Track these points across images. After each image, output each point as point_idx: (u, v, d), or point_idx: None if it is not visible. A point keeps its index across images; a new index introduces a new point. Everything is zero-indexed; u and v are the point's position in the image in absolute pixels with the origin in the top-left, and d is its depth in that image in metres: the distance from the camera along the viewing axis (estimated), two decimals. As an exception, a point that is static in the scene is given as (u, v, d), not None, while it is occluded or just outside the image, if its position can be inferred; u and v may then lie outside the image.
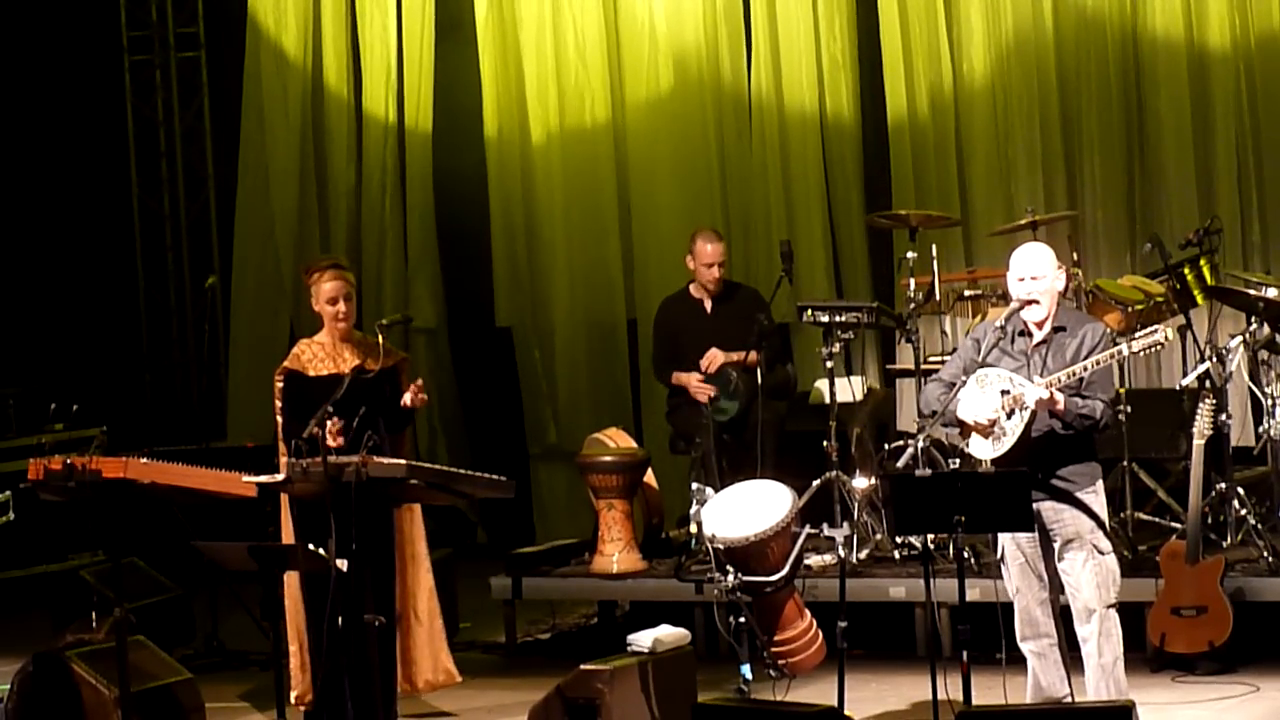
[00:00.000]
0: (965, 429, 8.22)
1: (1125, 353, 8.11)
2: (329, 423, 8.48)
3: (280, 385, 9.06)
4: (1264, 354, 10.17)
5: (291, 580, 9.02)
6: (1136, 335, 8.14)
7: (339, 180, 14.10)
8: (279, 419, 9.07)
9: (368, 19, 13.92)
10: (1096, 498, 8.27)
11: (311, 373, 9.03)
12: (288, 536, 9.07)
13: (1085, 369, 8.07)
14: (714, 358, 11.07)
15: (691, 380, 11.18)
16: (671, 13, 13.25)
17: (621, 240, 13.56)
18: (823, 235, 13.08)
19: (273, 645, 8.65)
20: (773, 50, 13.07)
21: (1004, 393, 8.13)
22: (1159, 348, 8.15)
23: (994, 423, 8.12)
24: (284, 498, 9.01)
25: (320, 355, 9.08)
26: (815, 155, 13.07)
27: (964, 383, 8.17)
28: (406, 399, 8.90)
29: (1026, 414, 8.09)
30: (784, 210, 13.10)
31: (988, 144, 12.72)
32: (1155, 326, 8.22)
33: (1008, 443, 8.12)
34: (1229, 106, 12.24)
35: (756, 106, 13.14)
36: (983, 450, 8.17)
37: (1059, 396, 8.05)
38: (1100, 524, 8.24)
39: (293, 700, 9.16)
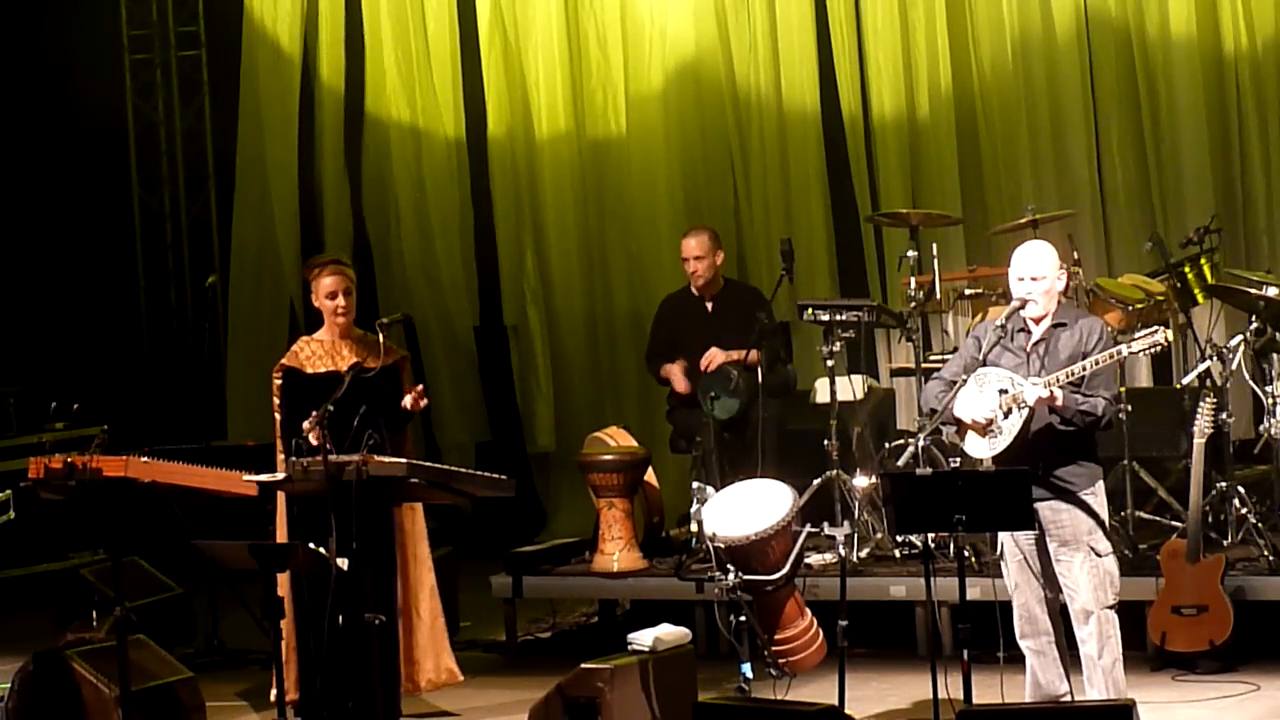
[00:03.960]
0: (962, 427, 8.23)
1: (1125, 353, 8.11)
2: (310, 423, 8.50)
3: (278, 382, 9.07)
4: (1265, 353, 10.17)
5: (283, 579, 9.02)
6: (1137, 336, 8.14)
7: (337, 178, 14.10)
8: (277, 416, 9.08)
9: (366, 16, 13.93)
10: (1096, 499, 8.26)
11: (310, 370, 9.03)
12: (282, 535, 9.07)
13: (1085, 369, 8.08)
14: (713, 357, 11.07)
15: (674, 370, 11.17)
16: (674, 11, 13.26)
17: (621, 240, 13.57)
18: (825, 234, 13.06)
19: (273, 644, 8.65)
20: (772, 49, 13.05)
21: (1002, 392, 8.13)
22: (1158, 349, 8.16)
23: (990, 421, 8.13)
24: (280, 496, 9.01)
25: (319, 353, 9.09)
26: (816, 153, 13.06)
27: (964, 381, 8.18)
28: (406, 402, 8.92)
29: (1024, 413, 8.10)
30: (785, 209, 13.09)
31: (992, 142, 12.70)
32: (1155, 327, 8.21)
33: (1003, 442, 8.12)
34: (1230, 105, 12.23)
35: (758, 105, 13.12)
36: (978, 449, 8.18)
37: (1058, 393, 8.06)
38: (1099, 525, 8.24)
39: (273, 698, 9.19)
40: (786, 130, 13.09)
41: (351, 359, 8.97)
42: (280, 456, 9.01)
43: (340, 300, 9.08)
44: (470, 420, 13.94)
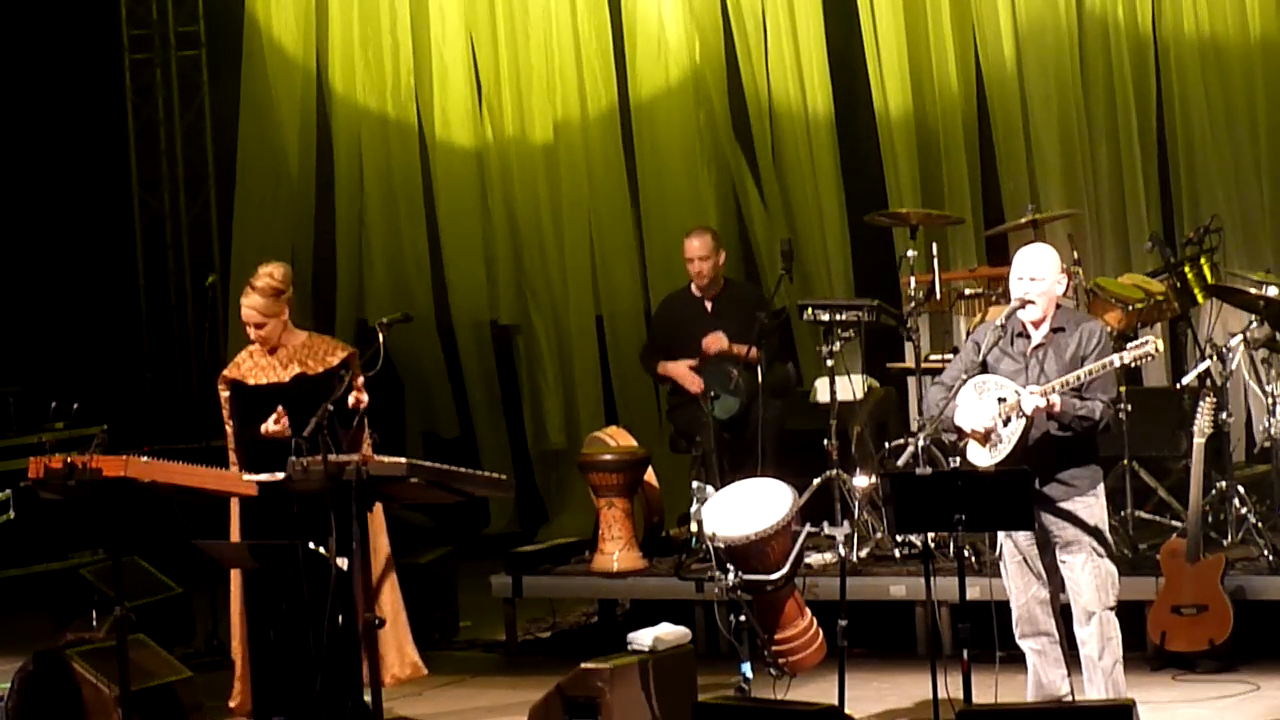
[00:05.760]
0: (963, 435, 8.23)
1: (1117, 364, 8.12)
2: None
3: (225, 394, 9.09)
4: (1264, 352, 10.17)
5: (235, 589, 9.02)
6: (1128, 347, 8.16)
7: (338, 178, 14.10)
8: (227, 428, 9.09)
9: (368, 15, 13.93)
10: (1098, 500, 8.28)
11: (251, 381, 9.06)
12: (234, 539, 9.07)
13: (1079, 379, 8.09)
14: (718, 340, 11.05)
15: (681, 368, 11.16)
16: (682, 9, 13.25)
17: (628, 239, 13.57)
18: (839, 234, 13.04)
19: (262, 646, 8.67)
20: (793, 48, 13.02)
21: (1001, 400, 8.14)
22: (1149, 359, 8.19)
23: (990, 430, 8.14)
24: (233, 502, 9.01)
25: (261, 364, 9.10)
26: (830, 153, 13.03)
27: (962, 383, 8.18)
28: (350, 400, 8.84)
29: (1023, 421, 8.10)
30: (794, 209, 13.08)
31: (997, 142, 12.69)
32: (1146, 338, 8.24)
33: (1004, 450, 8.14)
34: (1237, 105, 12.22)
35: (766, 104, 13.10)
36: (980, 457, 8.19)
37: (1055, 400, 8.07)
38: (1100, 527, 8.25)
39: (233, 708, 9.21)
40: (798, 130, 13.05)
41: (295, 369, 8.98)
42: (234, 468, 9.01)
43: (251, 331, 9.05)
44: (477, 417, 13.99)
